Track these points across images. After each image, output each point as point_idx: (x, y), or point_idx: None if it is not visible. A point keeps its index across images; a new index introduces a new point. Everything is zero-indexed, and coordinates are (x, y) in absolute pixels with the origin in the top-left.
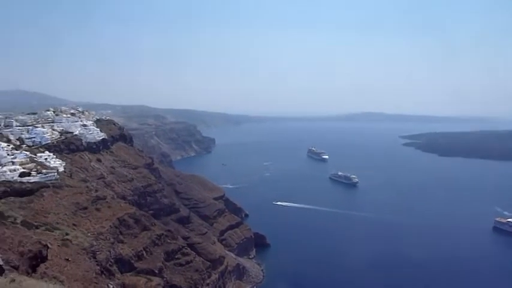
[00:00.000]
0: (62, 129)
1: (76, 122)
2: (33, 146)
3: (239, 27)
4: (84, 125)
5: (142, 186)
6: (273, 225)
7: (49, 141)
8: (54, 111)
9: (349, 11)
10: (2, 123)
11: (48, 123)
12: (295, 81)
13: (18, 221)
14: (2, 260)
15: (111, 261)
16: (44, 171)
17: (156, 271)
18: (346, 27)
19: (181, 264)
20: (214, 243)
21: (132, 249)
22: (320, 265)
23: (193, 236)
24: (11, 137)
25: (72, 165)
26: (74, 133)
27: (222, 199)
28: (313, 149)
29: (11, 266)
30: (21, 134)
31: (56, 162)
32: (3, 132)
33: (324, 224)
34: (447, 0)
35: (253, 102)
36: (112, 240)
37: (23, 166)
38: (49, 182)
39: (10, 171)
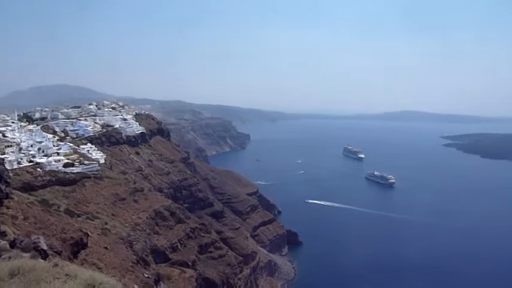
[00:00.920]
0: (104, 123)
1: (117, 115)
2: (76, 138)
3: (282, 26)
4: (124, 119)
5: (178, 179)
6: (306, 223)
7: (91, 134)
8: (96, 105)
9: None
10: (49, 116)
11: (91, 116)
12: (330, 79)
13: (62, 209)
14: (46, 245)
15: (146, 252)
16: (86, 162)
17: (190, 263)
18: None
19: (214, 258)
20: (247, 238)
21: (167, 241)
22: (353, 266)
23: (226, 230)
24: (57, 129)
25: (112, 157)
26: (115, 126)
27: (255, 195)
28: (349, 147)
29: (54, 251)
30: (66, 126)
31: (97, 154)
32: (49, 124)
33: (358, 225)
34: None
35: (289, 99)
36: (148, 231)
37: (67, 157)
38: (90, 173)
39: (55, 161)
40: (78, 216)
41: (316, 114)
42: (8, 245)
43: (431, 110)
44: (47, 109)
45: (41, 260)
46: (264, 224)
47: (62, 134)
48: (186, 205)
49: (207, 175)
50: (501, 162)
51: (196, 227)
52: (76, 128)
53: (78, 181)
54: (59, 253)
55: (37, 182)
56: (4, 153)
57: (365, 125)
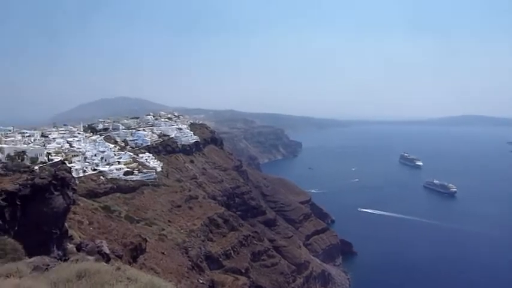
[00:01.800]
0: (160, 132)
1: (172, 125)
2: (135, 147)
3: (328, 34)
4: (180, 129)
5: (231, 187)
6: (361, 233)
7: (149, 143)
8: (153, 116)
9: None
10: (111, 127)
11: (149, 126)
12: (383, 84)
13: (122, 215)
14: (109, 249)
15: (201, 258)
16: (144, 170)
17: (243, 271)
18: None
19: (266, 266)
20: (300, 247)
21: (221, 248)
22: (412, 280)
23: (279, 239)
24: (118, 139)
25: (168, 165)
26: (171, 136)
27: (308, 203)
28: (405, 154)
29: (116, 255)
30: (126, 136)
31: (154, 163)
32: (111, 135)
33: (416, 236)
34: None
35: (340, 106)
36: (202, 238)
37: (127, 166)
38: (148, 180)
39: (116, 169)
40: (137, 222)
41: (369, 120)
42: (74, 248)
43: (491, 114)
44: (109, 120)
45: (105, 264)
46: (317, 233)
47: (123, 144)
48: (239, 213)
49: (260, 183)
50: None
51: (249, 235)
52: (135, 138)
53: (137, 188)
54: (120, 257)
55: (100, 189)
56: (71, 162)
57: (421, 130)
